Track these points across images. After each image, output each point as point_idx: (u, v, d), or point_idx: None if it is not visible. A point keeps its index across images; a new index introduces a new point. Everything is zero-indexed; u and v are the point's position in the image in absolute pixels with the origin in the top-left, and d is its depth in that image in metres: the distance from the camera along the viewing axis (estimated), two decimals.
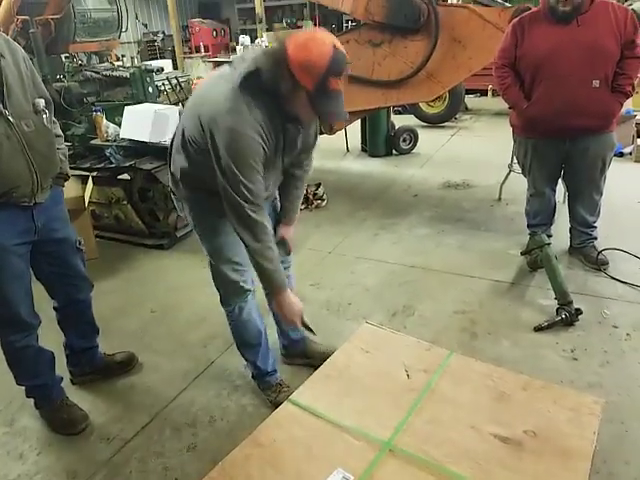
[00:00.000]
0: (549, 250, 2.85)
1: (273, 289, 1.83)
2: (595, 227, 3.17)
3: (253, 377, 2.26)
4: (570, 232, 3.26)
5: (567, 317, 2.56)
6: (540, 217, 3.27)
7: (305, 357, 2.38)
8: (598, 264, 3.06)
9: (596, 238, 3.19)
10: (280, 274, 1.81)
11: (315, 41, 1.52)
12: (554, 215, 3.31)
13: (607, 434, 1.82)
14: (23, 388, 2.15)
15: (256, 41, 9.16)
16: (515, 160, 4.09)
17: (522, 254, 3.17)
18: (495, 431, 1.56)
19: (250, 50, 1.75)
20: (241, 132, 1.59)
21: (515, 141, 3.25)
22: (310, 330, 1.95)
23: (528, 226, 3.35)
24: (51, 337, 2.26)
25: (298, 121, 1.73)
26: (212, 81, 1.77)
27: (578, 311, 2.56)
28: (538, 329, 2.55)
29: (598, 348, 2.41)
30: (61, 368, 2.30)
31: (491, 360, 2.19)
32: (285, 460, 1.52)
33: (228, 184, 1.65)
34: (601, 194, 3.08)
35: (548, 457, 1.46)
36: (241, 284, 2.01)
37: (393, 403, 1.71)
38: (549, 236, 3.14)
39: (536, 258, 2.95)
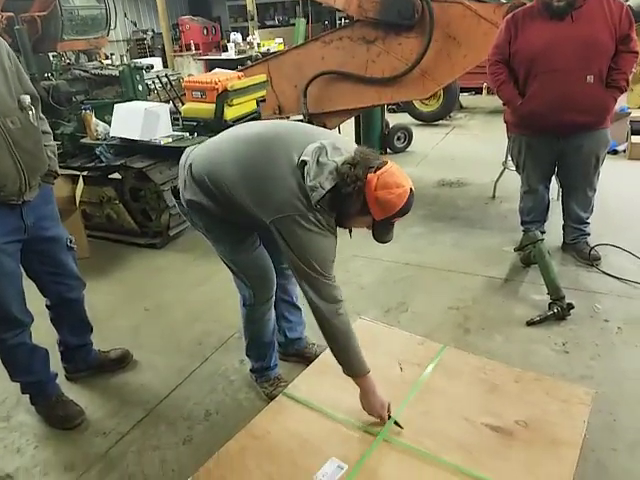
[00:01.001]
0: (542, 246, 2.87)
1: (357, 371, 1.70)
2: (588, 223, 3.20)
3: (252, 370, 2.27)
4: (563, 229, 3.29)
5: (559, 312, 2.58)
6: (533, 214, 3.29)
7: (301, 357, 2.39)
8: (590, 260, 3.09)
9: (589, 234, 3.22)
10: (362, 355, 1.70)
11: (397, 184, 1.55)
12: (547, 212, 3.34)
13: (596, 424, 1.85)
14: (18, 385, 2.15)
15: (248, 38, 9.13)
16: (509, 157, 4.12)
17: (516, 250, 3.20)
18: (487, 421, 1.59)
19: (323, 151, 1.61)
20: (323, 236, 1.64)
21: (509, 138, 3.27)
22: (398, 425, 1.70)
23: (522, 223, 3.38)
24: (46, 333, 2.26)
25: (340, 226, 1.78)
26: (276, 164, 1.64)
27: (570, 306, 2.59)
28: (530, 324, 2.58)
29: (589, 341, 2.43)
30: (57, 364, 2.31)
31: (484, 354, 2.21)
32: (280, 451, 1.53)
33: (310, 270, 1.64)
34: (594, 191, 3.10)
35: (538, 446, 1.48)
36: (272, 284, 2.03)
37: (387, 396, 1.73)
38: (542, 232, 3.15)
39: (529, 254, 2.98)
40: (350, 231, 1.82)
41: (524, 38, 2.80)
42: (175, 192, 1.93)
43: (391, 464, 1.47)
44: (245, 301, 2.06)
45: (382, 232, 1.66)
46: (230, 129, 1.91)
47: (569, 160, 2.99)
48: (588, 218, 3.18)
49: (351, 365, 1.69)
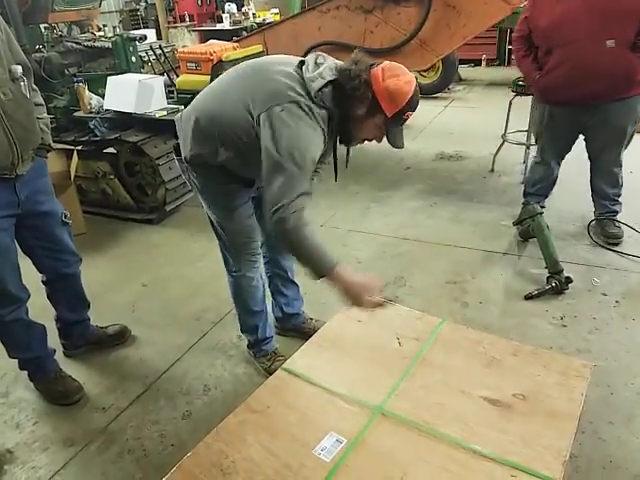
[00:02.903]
0: (541, 220, 2.86)
1: (323, 270, 1.60)
2: (616, 200, 3.08)
3: (249, 346, 2.27)
4: (592, 201, 3.19)
5: (557, 285, 2.58)
6: (539, 186, 3.25)
7: (299, 332, 2.38)
8: (610, 240, 3.00)
9: (616, 212, 3.09)
10: (324, 250, 1.61)
11: (403, 72, 1.57)
12: (552, 188, 3.29)
13: (594, 397, 1.87)
14: (16, 361, 2.15)
15: (243, 9, 8.90)
16: (509, 130, 4.08)
17: (514, 224, 3.18)
18: (485, 395, 1.59)
19: (320, 57, 1.65)
20: (312, 128, 1.57)
21: (534, 106, 3.19)
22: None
23: (524, 194, 3.34)
24: (43, 309, 2.25)
25: (348, 142, 1.73)
26: (272, 77, 1.62)
27: (568, 279, 2.59)
28: (528, 297, 2.58)
29: (587, 315, 2.44)
30: (55, 341, 2.30)
31: (482, 328, 2.21)
32: (279, 425, 1.54)
33: (286, 159, 1.54)
34: (620, 167, 3.01)
35: (536, 418, 1.49)
36: (257, 252, 2.01)
37: (385, 370, 1.73)
38: (542, 207, 3.14)
39: (528, 228, 2.96)
40: (347, 161, 1.80)
41: (541, 13, 2.75)
42: (176, 149, 1.89)
43: (389, 437, 1.47)
44: (230, 269, 2.05)
45: (396, 133, 1.64)
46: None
47: (594, 134, 2.92)
48: (616, 195, 3.07)
49: (314, 264, 1.61)
